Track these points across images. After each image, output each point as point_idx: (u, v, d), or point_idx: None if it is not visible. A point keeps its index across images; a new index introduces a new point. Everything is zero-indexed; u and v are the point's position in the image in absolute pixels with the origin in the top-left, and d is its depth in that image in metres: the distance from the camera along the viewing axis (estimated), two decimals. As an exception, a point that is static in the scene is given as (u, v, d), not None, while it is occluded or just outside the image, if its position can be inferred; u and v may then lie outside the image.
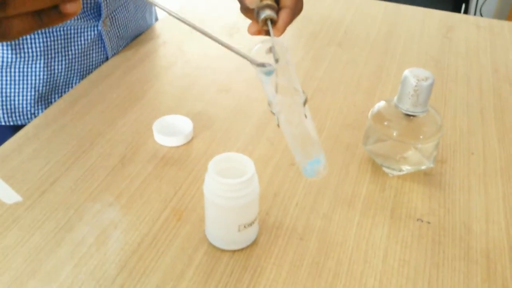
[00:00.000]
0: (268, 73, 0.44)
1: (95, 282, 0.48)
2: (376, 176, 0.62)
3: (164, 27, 0.97)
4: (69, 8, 0.32)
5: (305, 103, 0.46)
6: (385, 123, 0.60)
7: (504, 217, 0.57)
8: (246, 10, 0.55)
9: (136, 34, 0.91)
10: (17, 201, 0.31)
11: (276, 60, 0.46)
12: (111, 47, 0.83)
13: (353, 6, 1.10)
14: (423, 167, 0.61)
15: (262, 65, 0.44)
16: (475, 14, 2.41)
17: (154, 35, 0.93)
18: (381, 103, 0.62)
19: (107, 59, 0.84)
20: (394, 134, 0.59)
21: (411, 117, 0.58)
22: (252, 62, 0.43)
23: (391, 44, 0.94)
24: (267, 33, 0.53)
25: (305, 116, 0.47)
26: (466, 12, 2.17)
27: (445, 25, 1.03)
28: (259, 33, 0.53)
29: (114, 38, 0.83)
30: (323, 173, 0.54)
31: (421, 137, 0.58)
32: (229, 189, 0.47)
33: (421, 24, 1.03)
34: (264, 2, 0.50)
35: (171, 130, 0.67)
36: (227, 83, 0.80)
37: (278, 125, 0.48)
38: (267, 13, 0.50)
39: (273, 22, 0.51)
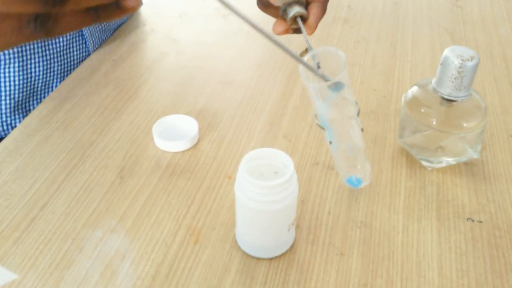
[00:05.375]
0: (336, 90, 0.36)
1: (107, 330, 0.40)
2: (412, 170, 0.55)
3: (149, 12, 0.87)
4: (130, 2, 0.29)
5: (358, 114, 0.39)
6: (422, 110, 0.52)
7: (562, 209, 0.51)
8: (266, 6, 0.48)
9: (119, 23, 0.81)
10: (11, 280, 0.22)
11: (317, 65, 0.39)
12: (93, 42, 0.73)
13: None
14: (464, 159, 0.54)
15: (332, 83, 0.37)
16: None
17: (140, 22, 0.83)
18: (414, 88, 0.54)
19: (88, 56, 0.74)
20: (434, 122, 0.51)
21: (453, 102, 0.51)
22: (322, 78, 0.36)
23: (400, 18, 0.86)
24: (296, 31, 0.46)
25: (362, 130, 0.40)
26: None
27: (453, -7, 0.95)
28: (286, 32, 0.46)
29: (95, 32, 0.74)
30: (368, 182, 0.47)
31: (464, 124, 0.51)
32: (276, 191, 0.41)
33: (427, -7, 0.95)
34: None
35: (173, 133, 0.58)
36: (229, 73, 0.71)
37: (330, 142, 0.41)
38: (297, 9, 0.44)
39: (303, 19, 0.44)
